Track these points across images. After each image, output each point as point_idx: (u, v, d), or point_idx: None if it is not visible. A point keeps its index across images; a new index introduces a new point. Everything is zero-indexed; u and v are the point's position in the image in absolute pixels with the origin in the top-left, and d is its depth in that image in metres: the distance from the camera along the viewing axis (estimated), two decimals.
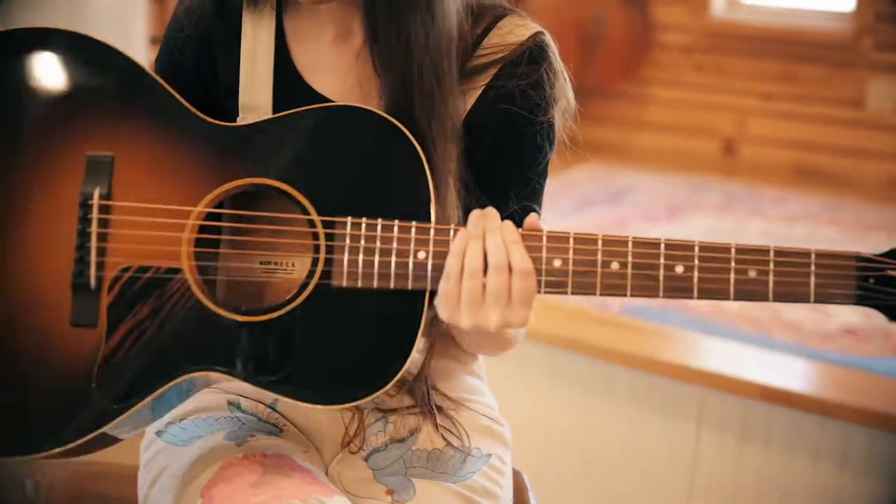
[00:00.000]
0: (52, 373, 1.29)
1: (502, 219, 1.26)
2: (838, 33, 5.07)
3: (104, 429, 1.29)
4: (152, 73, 1.33)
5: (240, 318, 1.27)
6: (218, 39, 1.41)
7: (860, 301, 1.20)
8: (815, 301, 1.21)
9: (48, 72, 1.32)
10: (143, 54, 3.57)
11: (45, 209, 1.31)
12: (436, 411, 1.48)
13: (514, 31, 1.40)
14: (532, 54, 1.39)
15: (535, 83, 1.39)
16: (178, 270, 1.28)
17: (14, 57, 1.32)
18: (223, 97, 1.42)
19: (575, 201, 4.48)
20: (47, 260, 1.30)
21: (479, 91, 1.38)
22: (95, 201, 1.29)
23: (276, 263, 1.34)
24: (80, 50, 1.32)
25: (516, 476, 1.68)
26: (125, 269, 1.29)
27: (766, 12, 5.34)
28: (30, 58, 1.32)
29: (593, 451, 2.92)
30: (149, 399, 1.29)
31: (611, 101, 5.52)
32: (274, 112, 1.38)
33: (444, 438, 1.47)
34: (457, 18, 1.34)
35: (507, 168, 1.40)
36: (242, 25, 1.40)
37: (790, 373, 2.78)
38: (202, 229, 1.29)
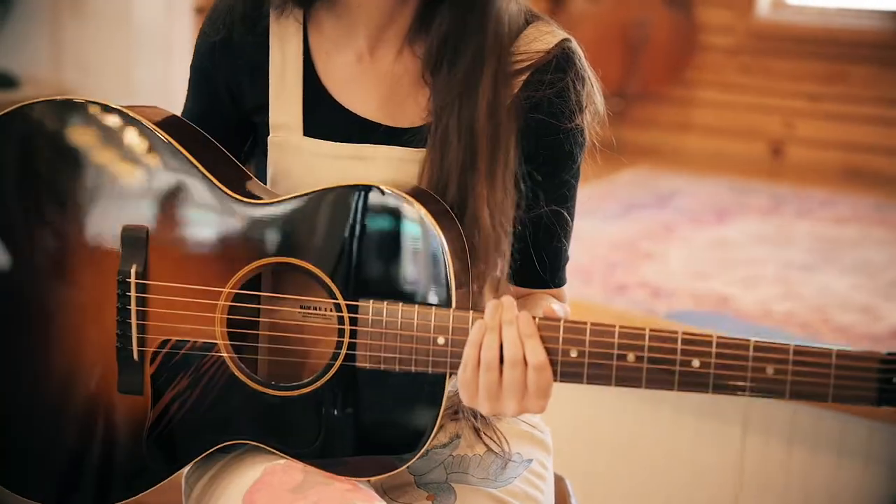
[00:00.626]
0: (104, 436, 1.39)
1: (524, 223, 1.28)
2: (885, 32, 5.01)
3: (154, 488, 1.38)
4: (184, 149, 1.36)
5: (269, 392, 1.33)
6: (246, 54, 1.42)
7: (881, 402, 1.17)
8: (833, 402, 1.18)
9: (85, 145, 1.37)
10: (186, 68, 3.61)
11: (90, 281, 1.38)
12: (476, 417, 1.48)
13: (541, 38, 1.40)
14: (559, 62, 1.39)
15: (561, 91, 1.39)
16: (213, 345, 1.34)
17: (55, 128, 1.37)
18: (252, 112, 1.44)
19: (620, 205, 4.46)
20: (95, 330, 1.38)
21: (508, 100, 1.38)
22: (133, 280, 1.34)
23: (316, 308, 1.36)
24: (112, 124, 1.36)
25: (559, 481, 1.68)
26: (164, 343, 1.36)
27: (812, 12, 5.30)
28: (70, 130, 1.37)
29: (638, 456, 2.91)
30: (191, 464, 1.38)
31: (656, 104, 5.49)
32: (304, 130, 1.41)
33: (485, 444, 1.48)
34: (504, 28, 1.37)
35: (536, 174, 1.41)
36: (270, 42, 1.41)
37: None
38: (233, 309, 1.34)
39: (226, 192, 1.34)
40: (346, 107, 1.41)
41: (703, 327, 3.05)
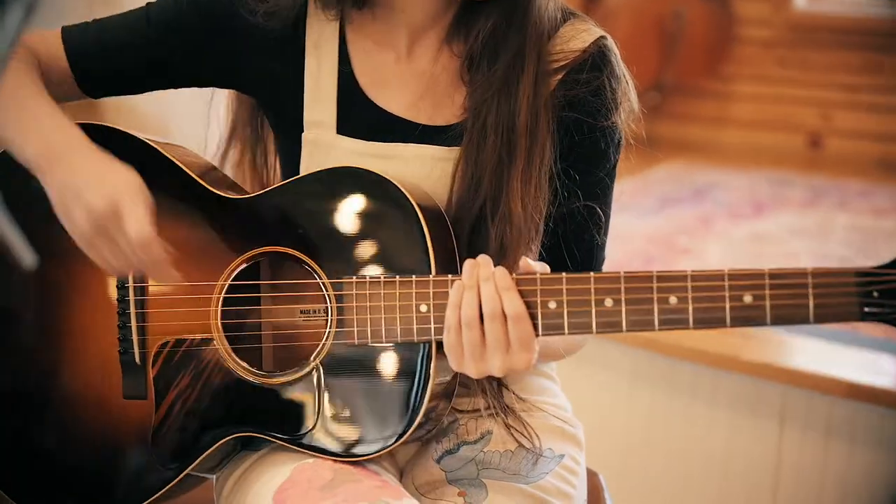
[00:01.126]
0: (112, 442, 1.42)
1: (559, 218, 1.29)
2: None
3: (164, 490, 1.41)
4: (167, 153, 1.40)
5: (261, 381, 1.36)
6: (279, 47, 1.43)
7: (866, 317, 1.16)
8: (816, 322, 1.17)
9: None
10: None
11: (90, 291, 1.42)
12: (507, 413, 1.49)
13: (577, 37, 1.41)
14: (594, 61, 1.40)
15: (596, 89, 1.40)
16: (210, 340, 1.37)
17: None
18: (284, 109, 1.45)
19: (657, 200, 4.45)
20: (97, 339, 1.42)
21: (545, 98, 1.39)
22: (131, 284, 1.39)
23: (314, 311, 1.38)
24: (103, 138, 1.38)
25: (591, 476, 1.68)
26: (164, 344, 1.40)
27: (849, 2, 5.25)
28: None
29: (674, 452, 2.90)
30: (199, 460, 1.40)
31: (693, 98, 5.47)
32: (338, 127, 1.43)
33: (516, 440, 1.48)
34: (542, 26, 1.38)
35: (571, 171, 1.41)
36: (306, 41, 1.42)
37: (877, 369, 2.74)
38: (227, 301, 1.37)
39: (213, 191, 1.39)
40: (381, 105, 1.43)
41: None
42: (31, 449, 1.45)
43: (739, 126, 5.40)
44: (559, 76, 1.39)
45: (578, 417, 1.61)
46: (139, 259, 1.27)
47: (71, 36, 1.44)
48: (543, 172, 1.38)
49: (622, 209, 4.33)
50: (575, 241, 1.46)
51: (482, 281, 1.23)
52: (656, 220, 4.19)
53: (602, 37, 1.43)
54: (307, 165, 1.44)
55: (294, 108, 1.44)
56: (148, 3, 1.45)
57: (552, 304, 1.23)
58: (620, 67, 1.43)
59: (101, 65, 1.43)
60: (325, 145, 1.43)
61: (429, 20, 1.41)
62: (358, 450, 1.35)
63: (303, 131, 1.44)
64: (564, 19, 1.43)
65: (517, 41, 1.37)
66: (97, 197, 1.26)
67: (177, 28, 1.42)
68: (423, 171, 1.41)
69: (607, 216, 1.47)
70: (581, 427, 1.59)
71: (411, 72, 1.43)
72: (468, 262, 1.26)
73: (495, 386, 1.49)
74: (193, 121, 1.56)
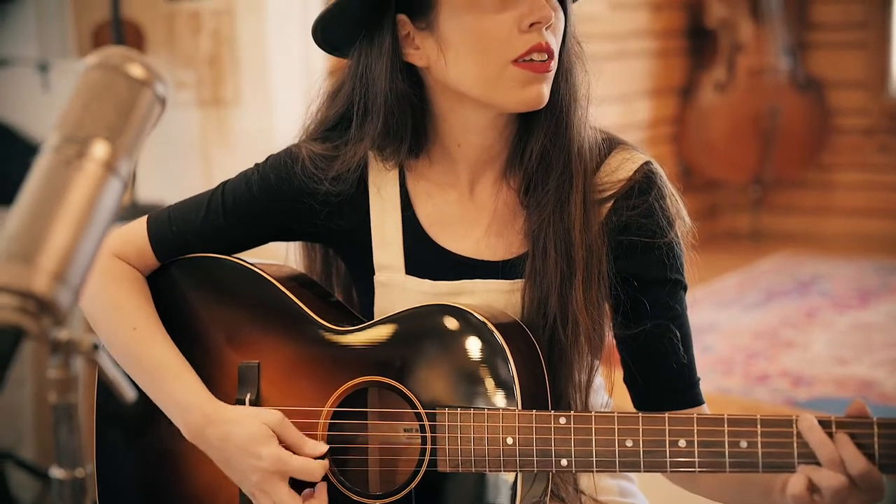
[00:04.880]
0: None
1: (636, 341, 1.42)
2: None
3: None
4: (285, 289, 1.52)
5: (367, 501, 1.43)
6: (342, 203, 1.53)
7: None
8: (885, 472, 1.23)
9: (207, 295, 1.56)
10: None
11: None
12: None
13: (623, 166, 1.49)
14: (641, 187, 1.47)
15: (647, 211, 1.47)
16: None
17: (181, 283, 1.56)
18: (355, 256, 1.57)
19: (762, 293, 4.47)
20: (207, 462, 1.48)
21: (598, 220, 1.47)
22: (247, 406, 1.49)
23: (416, 430, 1.45)
24: (214, 269, 1.54)
25: None
26: None
27: None
28: (193, 284, 1.56)
29: None
30: None
31: (795, 189, 5.49)
32: (406, 269, 1.53)
33: None
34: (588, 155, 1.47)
35: (638, 295, 1.48)
36: (370, 192, 1.54)
37: None
38: (332, 427, 1.46)
39: (322, 323, 1.50)
40: (445, 247, 1.53)
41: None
42: None
43: (844, 215, 5.41)
44: (609, 205, 1.47)
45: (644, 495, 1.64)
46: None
47: (156, 232, 1.56)
48: (603, 286, 1.45)
49: (727, 304, 4.36)
50: (660, 363, 1.49)
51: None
52: (762, 314, 4.21)
53: (646, 163, 1.50)
54: (380, 304, 1.54)
55: (364, 253, 1.55)
56: (223, 186, 1.56)
57: (629, 443, 1.32)
58: (668, 188, 1.50)
59: (182, 249, 1.57)
60: (395, 286, 1.53)
61: (485, 158, 1.51)
62: None
63: (374, 273, 1.55)
64: (610, 149, 1.51)
65: (563, 158, 1.46)
66: (259, 451, 1.41)
67: (250, 212, 1.54)
68: (492, 304, 1.49)
69: (684, 333, 1.49)
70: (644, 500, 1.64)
71: (475, 210, 1.53)
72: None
73: (573, 491, 1.54)
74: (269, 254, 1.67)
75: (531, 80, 1.38)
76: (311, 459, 1.42)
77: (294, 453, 1.42)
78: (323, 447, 1.43)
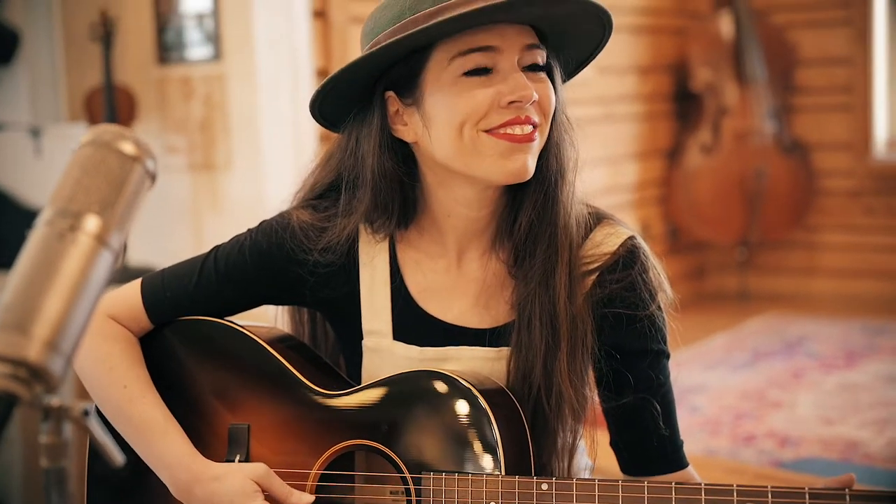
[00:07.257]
0: None
1: (620, 413, 1.46)
2: None
3: None
4: (275, 352, 1.55)
5: None
6: (333, 272, 1.56)
7: None
8: None
9: (198, 357, 1.59)
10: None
11: None
12: None
13: (606, 241, 1.52)
14: (624, 261, 1.51)
15: (630, 285, 1.50)
16: None
17: (173, 344, 1.59)
18: (343, 321, 1.60)
19: (749, 354, 4.50)
20: None
21: (582, 292, 1.50)
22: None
23: (402, 493, 1.48)
24: (206, 331, 1.57)
25: None
26: None
27: None
28: (185, 345, 1.59)
29: None
30: None
31: (781, 250, 5.55)
32: (394, 334, 1.56)
33: None
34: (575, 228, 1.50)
35: (622, 369, 1.51)
36: (359, 260, 1.56)
37: None
38: (319, 489, 1.49)
39: (311, 387, 1.52)
40: (433, 314, 1.56)
41: (830, 475, 3.06)
42: None
43: (829, 275, 5.45)
44: (593, 277, 1.50)
45: None
46: None
47: (150, 295, 1.58)
48: (586, 356, 1.49)
49: (714, 365, 4.38)
50: (643, 435, 1.52)
51: None
52: (748, 375, 4.23)
53: (630, 237, 1.53)
54: (368, 368, 1.57)
55: (352, 319, 1.58)
56: (215, 251, 1.59)
57: None
58: (651, 261, 1.53)
59: (175, 312, 1.60)
60: (383, 351, 1.56)
61: (474, 230, 1.54)
62: None
63: (362, 338, 1.58)
64: (595, 223, 1.54)
65: (550, 231, 1.49)
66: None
67: (243, 277, 1.57)
68: (478, 370, 1.52)
69: (667, 402, 1.52)
70: None
71: (463, 279, 1.56)
72: None
73: None
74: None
75: (512, 151, 1.41)
76: None
77: None
78: (309, 498, 1.45)
